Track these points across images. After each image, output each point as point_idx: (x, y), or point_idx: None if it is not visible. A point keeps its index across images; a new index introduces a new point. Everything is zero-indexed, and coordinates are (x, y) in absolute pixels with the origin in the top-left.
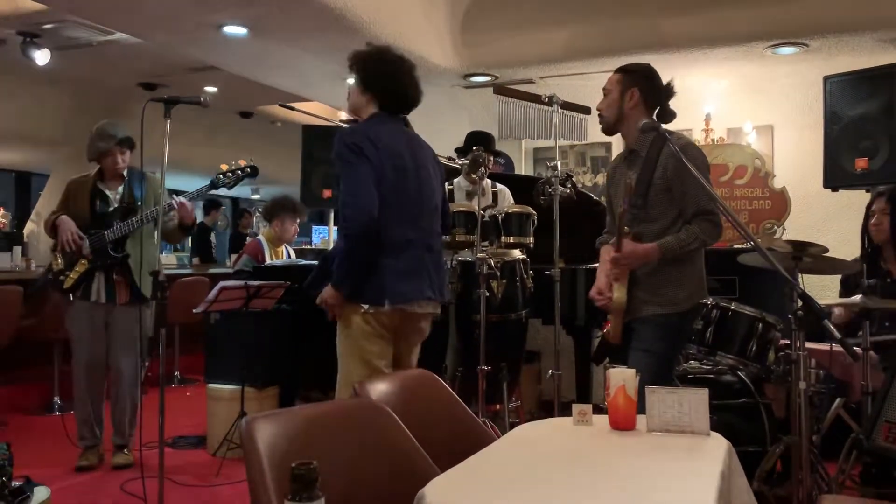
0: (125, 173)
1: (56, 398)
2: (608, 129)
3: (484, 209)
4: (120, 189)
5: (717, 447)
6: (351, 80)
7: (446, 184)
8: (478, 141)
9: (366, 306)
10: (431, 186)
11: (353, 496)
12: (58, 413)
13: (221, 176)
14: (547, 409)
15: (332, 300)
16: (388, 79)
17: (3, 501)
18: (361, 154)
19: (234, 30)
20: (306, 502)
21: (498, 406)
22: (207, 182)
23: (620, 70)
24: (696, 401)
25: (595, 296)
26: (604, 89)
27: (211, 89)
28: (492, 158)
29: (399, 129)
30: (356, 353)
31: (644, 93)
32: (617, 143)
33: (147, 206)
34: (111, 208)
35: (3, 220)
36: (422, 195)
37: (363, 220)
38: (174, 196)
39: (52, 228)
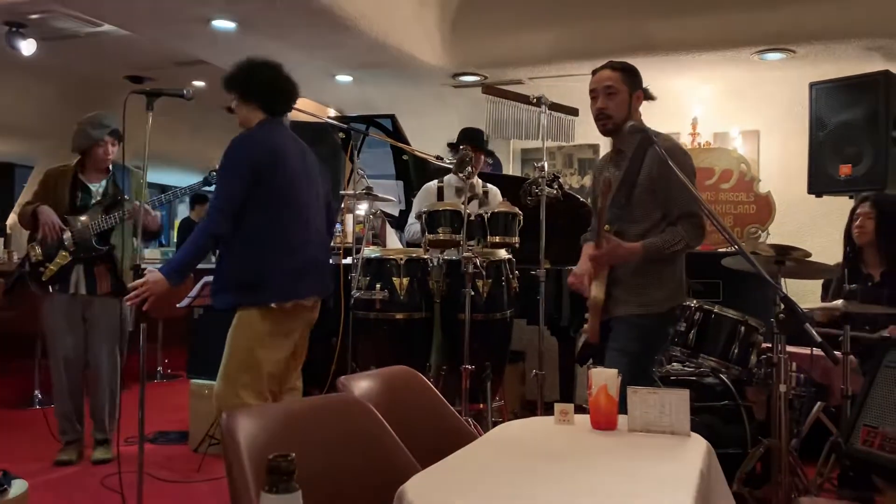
0: (110, 167)
1: (37, 392)
2: (613, 131)
3: (470, 198)
4: (103, 182)
5: (697, 448)
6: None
7: (436, 181)
8: (470, 137)
9: (273, 304)
10: (318, 188)
11: (334, 492)
12: (38, 407)
13: (214, 173)
14: (530, 408)
15: (159, 289)
16: (265, 85)
17: None
18: (247, 169)
19: (223, 24)
20: (283, 494)
21: (481, 405)
22: (199, 178)
23: (618, 68)
24: (678, 402)
25: (572, 280)
26: (608, 87)
27: (199, 83)
28: (482, 156)
29: (289, 136)
30: (263, 346)
31: (644, 94)
32: (604, 146)
33: (132, 200)
34: (93, 201)
35: None
36: (312, 198)
37: (226, 228)
38: (138, 202)
39: (32, 217)
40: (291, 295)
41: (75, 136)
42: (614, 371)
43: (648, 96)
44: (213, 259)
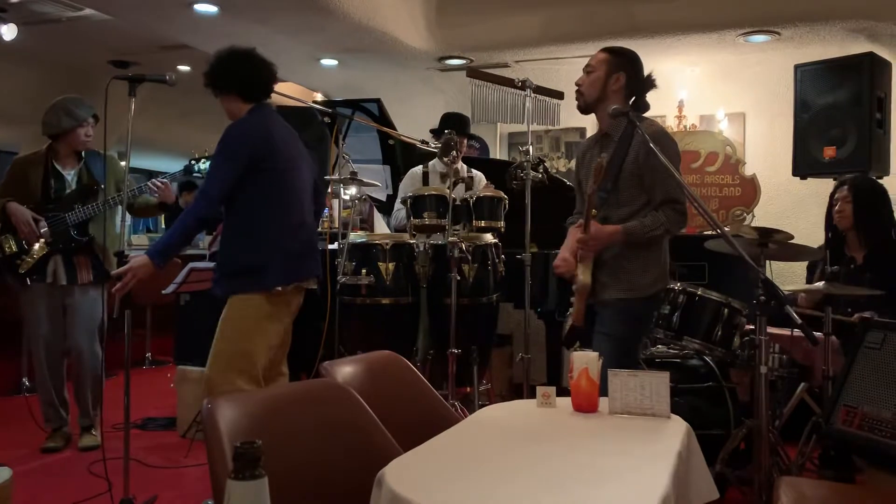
0: (83, 153)
1: (24, 379)
2: (585, 108)
3: (454, 183)
4: (76, 169)
5: (676, 429)
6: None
7: (421, 167)
8: (452, 123)
9: (279, 287)
10: (308, 170)
11: (316, 477)
12: (25, 394)
13: (194, 161)
14: (517, 392)
15: (144, 272)
16: (234, 75)
17: None
18: (243, 156)
19: (205, 8)
20: (249, 480)
21: (468, 389)
22: (181, 166)
23: (608, 51)
24: (658, 384)
25: (558, 264)
26: (588, 66)
27: (184, 68)
28: (465, 141)
29: (280, 121)
30: (260, 332)
31: (629, 79)
32: (591, 129)
33: (108, 187)
34: (68, 190)
35: None
36: (305, 182)
37: (214, 213)
38: (152, 180)
39: (2, 213)
40: (292, 277)
41: (52, 118)
42: (595, 354)
43: (650, 84)
44: (201, 246)
